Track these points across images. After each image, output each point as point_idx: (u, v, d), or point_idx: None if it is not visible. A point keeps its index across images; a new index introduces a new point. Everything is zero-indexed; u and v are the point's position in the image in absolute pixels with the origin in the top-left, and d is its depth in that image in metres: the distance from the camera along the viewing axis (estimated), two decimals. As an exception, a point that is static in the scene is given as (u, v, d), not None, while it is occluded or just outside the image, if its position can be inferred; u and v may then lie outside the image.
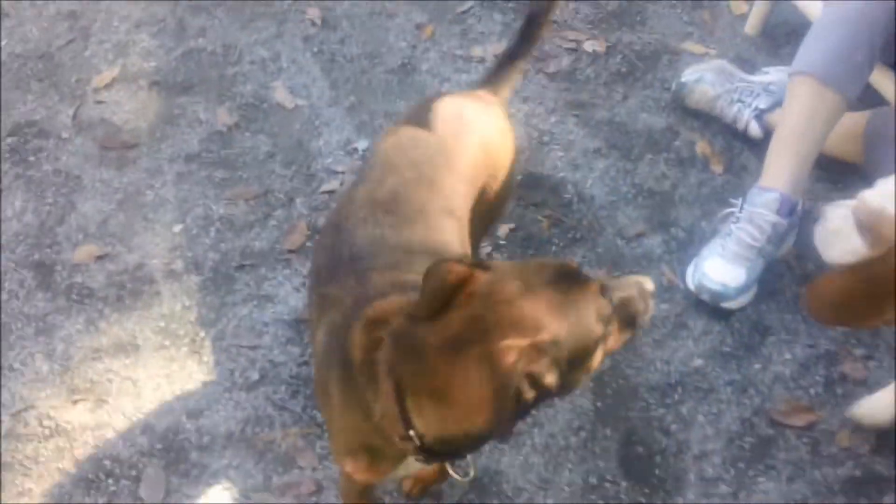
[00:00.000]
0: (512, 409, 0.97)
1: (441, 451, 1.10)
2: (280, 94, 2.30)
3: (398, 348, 1.04)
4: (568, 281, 1.04)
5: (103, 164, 2.12)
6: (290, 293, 1.91)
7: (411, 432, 1.05)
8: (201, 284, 1.90)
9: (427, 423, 1.04)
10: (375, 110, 2.29)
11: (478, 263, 1.05)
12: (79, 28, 2.41)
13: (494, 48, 2.48)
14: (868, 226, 1.38)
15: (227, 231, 2.01)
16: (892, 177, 1.38)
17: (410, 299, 1.09)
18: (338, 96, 2.32)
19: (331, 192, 2.10)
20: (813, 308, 1.45)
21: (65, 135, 2.19)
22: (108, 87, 2.27)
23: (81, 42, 2.38)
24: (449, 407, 1.02)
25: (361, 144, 2.21)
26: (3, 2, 2.50)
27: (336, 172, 2.14)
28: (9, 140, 2.15)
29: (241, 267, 1.95)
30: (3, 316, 1.79)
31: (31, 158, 2.11)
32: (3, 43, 2.40)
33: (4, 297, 1.82)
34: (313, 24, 2.51)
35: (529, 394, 0.97)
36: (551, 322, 0.99)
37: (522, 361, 0.95)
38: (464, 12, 2.60)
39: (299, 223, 2.03)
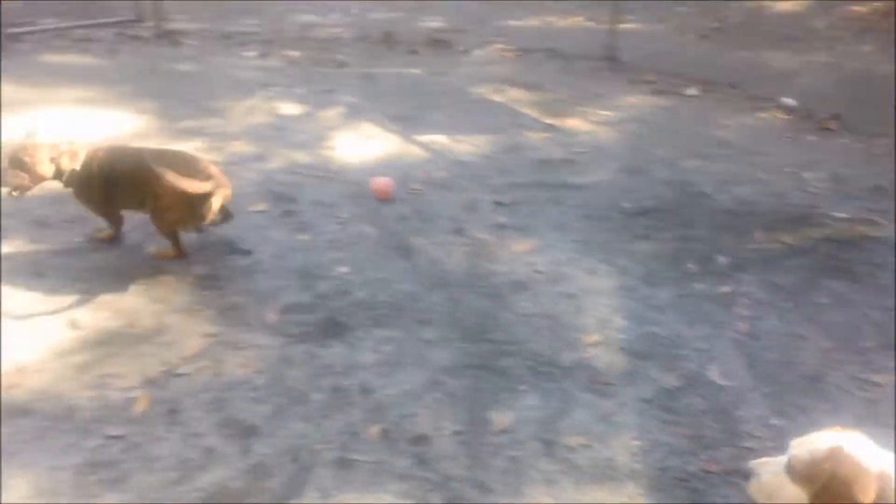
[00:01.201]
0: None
1: None
2: (714, 374, 3.01)
3: None
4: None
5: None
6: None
7: None
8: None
9: None
10: (789, 401, 2.89)
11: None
12: (570, 300, 3.43)
13: (884, 378, 3.03)
14: (804, 475, 1.69)
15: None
16: (814, 434, 1.73)
17: None
18: (757, 384, 2.98)
19: (749, 448, 2.64)
20: None
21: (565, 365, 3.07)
22: (594, 344, 3.17)
23: (572, 307, 3.38)
24: None
25: (776, 421, 2.79)
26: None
27: (754, 436, 2.72)
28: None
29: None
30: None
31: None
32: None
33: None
34: (741, 333, 3.29)
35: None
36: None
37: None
38: (867, 348, 3.22)
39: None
